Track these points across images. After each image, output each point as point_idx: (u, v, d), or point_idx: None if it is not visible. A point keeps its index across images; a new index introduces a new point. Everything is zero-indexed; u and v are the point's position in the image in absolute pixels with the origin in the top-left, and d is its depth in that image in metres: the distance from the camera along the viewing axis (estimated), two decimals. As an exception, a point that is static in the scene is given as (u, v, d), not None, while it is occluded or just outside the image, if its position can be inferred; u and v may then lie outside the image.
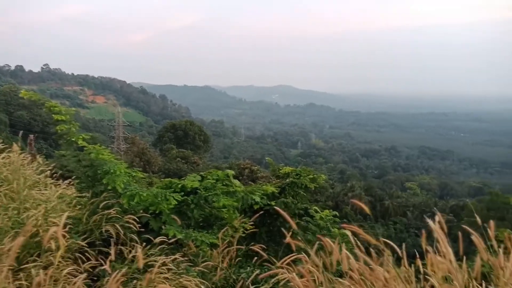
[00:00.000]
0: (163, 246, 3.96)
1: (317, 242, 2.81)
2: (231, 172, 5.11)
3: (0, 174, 4.59)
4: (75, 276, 3.20)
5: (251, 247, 4.26)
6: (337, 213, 6.19)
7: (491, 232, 2.27)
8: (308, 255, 2.75)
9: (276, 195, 6.50)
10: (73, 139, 4.74)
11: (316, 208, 6.38)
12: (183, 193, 4.57)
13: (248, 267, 4.52)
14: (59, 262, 3.46)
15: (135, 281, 3.37)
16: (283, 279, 2.91)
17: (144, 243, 3.86)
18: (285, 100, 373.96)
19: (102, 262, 3.59)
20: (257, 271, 3.99)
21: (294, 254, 2.89)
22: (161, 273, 3.49)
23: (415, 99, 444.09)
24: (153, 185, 5.78)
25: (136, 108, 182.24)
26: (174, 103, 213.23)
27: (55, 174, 5.93)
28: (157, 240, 3.94)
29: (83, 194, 4.88)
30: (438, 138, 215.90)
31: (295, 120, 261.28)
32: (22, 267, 3.29)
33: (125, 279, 3.32)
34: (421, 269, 2.45)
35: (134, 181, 4.92)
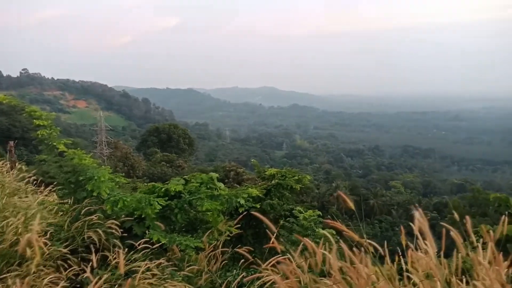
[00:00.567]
0: (147, 251, 3.93)
1: (302, 243, 2.83)
2: (215, 175, 5.10)
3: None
4: (57, 284, 3.15)
5: (237, 249, 4.26)
6: (320, 213, 6.23)
7: (469, 228, 2.32)
8: (293, 256, 2.76)
9: (262, 197, 6.50)
10: (54, 144, 4.67)
11: (300, 208, 6.41)
12: (167, 197, 4.54)
13: (235, 270, 4.51)
14: (40, 270, 3.40)
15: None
16: (268, 281, 2.92)
17: (127, 249, 3.82)
18: (269, 101, 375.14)
19: (85, 269, 3.54)
20: (243, 274, 3.99)
21: (278, 255, 2.89)
22: (146, 278, 3.46)
23: (396, 99, 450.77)
24: (137, 190, 5.73)
25: (118, 112, 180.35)
26: (157, 106, 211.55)
27: (36, 181, 5.83)
28: (141, 245, 3.90)
29: (65, 201, 4.81)
30: (419, 137, 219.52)
31: (280, 122, 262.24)
32: (1, 277, 3.22)
33: (109, 285, 3.28)
34: (404, 266, 2.49)
35: (118, 186, 4.86)
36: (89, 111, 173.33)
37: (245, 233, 6.24)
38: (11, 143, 9.50)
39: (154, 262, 3.69)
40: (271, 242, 2.85)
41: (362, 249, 2.17)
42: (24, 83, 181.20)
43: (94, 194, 4.26)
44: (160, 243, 4.06)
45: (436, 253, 2.22)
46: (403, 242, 2.23)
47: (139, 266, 3.51)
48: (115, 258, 3.62)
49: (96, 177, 4.26)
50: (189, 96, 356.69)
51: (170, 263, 3.99)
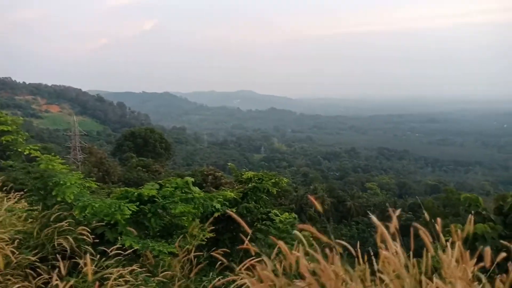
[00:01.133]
0: (120, 257, 3.85)
1: (277, 246, 2.82)
2: (190, 179, 5.06)
3: None
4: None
5: (212, 253, 4.21)
6: (296, 216, 6.25)
7: (439, 228, 2.37)
8: (268, 258, 2.75)
9: (239, 200, 6.49)
10: (19, 150, 4.52)
11: (276, 211, 6.42)
12: (138, 202, 4.46)
13: (211, 274, 4.47)
14: (7, 280, 3.29)
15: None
16: (243, 284, 2.90)
17: (99, 255, 3.73)
18: (247, 105, 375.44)
19: (56, 277, 3.44)
20: (219, 278, 3.95)
21: (253, 258, 2.88)
22: (118, 285, 3.38)
23: (372, 102, 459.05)
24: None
25: (93, 116, 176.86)
26: (132, 110, 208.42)
27: (5, 188, 5.65)
28: (114, 251, 3.82)
29: (35, 207, 4.67)
30: (395, 139, 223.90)
31: (258, 125, 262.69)
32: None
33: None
34: (376, 267, 2.51)
35: (89, 192, 4.75)
36: (62, 115, 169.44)
37: (222, 237, 6.21)
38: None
39: (127, 269, 3.62)
40: (245, 244, 2.83)
41: (334, 250, 2.19)
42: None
43: (58, 199, 4.15)
44: (133, 249, 3.99)
45: (406, 253, 2.25)
46: (378, 243, 2.26)
47: (111, 273, 3.43)
48: (86, 265, 3.53)
49: (61, 182, 4.15)
50: (166, 100, 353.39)
51: (144, 269, 3.93)
